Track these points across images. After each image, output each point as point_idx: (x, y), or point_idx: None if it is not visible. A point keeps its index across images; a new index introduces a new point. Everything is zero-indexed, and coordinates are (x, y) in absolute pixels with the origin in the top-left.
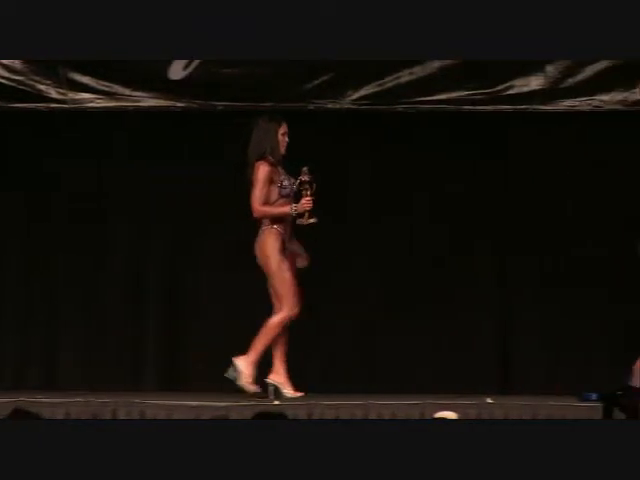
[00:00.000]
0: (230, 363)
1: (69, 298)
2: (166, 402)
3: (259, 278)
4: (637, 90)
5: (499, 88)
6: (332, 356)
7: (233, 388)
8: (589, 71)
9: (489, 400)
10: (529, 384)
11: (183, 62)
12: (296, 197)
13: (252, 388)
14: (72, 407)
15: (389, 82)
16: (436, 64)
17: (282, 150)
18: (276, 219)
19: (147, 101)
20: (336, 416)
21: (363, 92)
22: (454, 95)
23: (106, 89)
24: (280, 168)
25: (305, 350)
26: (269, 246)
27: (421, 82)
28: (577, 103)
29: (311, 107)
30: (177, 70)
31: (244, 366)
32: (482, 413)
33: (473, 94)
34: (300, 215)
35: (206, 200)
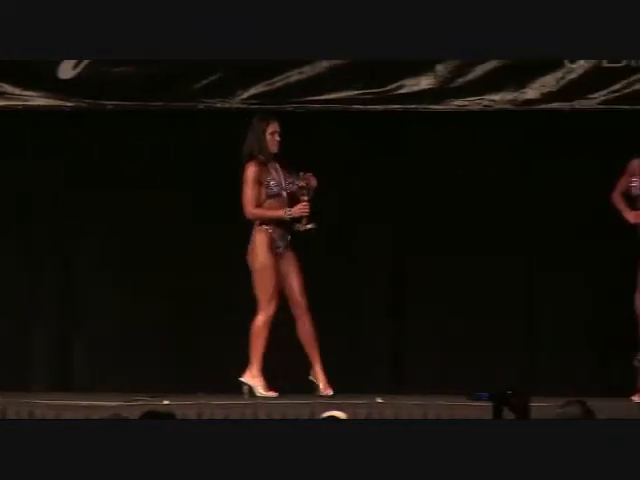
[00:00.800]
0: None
1: None
2: (55, 402)
3: (138, 277)
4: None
5: (389, 88)
6: (221, 355)
7: (126, 388)
8: (479, 71)
9: (379, 400)
10: (419, 384)
11: (73, 61)
12: (292, 199)
13: (271, 394)
14: None
15: (278, 82)
16: (325, 64)
17: (272, 149)
18: (267, 220)
19: (37, 100)
20: (226, 416)
21: (253, 91)
22: (344, 95)
23: None
24: (273, 167)
25: (196, 349)
26: (258, 245)
27: (311, 82)
28: (467, 103)
29: (201, 106)
30: (67, 69)
31: (251, 379)
32: (372, 413)
33: (363, 93)
34: (297, 220)
35: (92, 200)
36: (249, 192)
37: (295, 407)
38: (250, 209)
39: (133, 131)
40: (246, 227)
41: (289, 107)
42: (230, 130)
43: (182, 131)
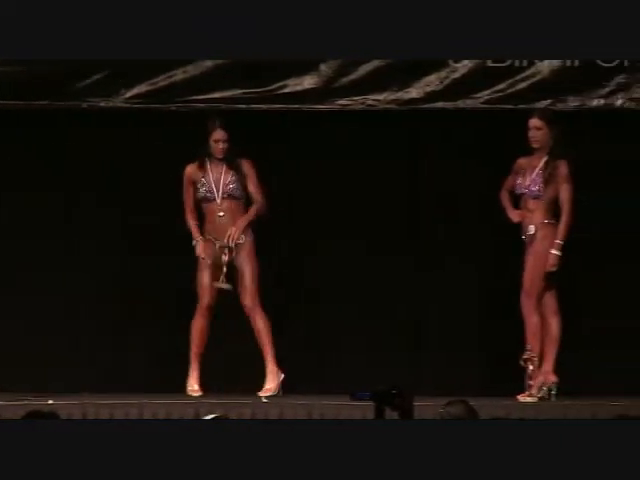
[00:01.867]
0: None
1: None
2: None
3: (15, 276)
4: None
5: (273, 87)
6: (106, 355)
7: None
8: (362, 70)
9: (264, 400)
10: (305, 383)
11: None
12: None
13: (193, 392)
14: None
15: (162, 81)
16: (209, 63)
17: (215, 153)
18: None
19: None
20: (111, 415)
21: (136, 91)
22: (228, 94)
23: None
24: (215, 170)
25: (82, 348)
26: None
27: (194, 81)
28: (351, 102)
29: (84, 106)
30: None
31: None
32: (257, 413)
33: (247, 93)
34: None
35: None
36: (183, 194)
37: (180, 406)
38: (185, 213)
39: (16, 130)
40: (128, 227)
41: (173, 106)
42: (114, 129)
43: (65, 130)
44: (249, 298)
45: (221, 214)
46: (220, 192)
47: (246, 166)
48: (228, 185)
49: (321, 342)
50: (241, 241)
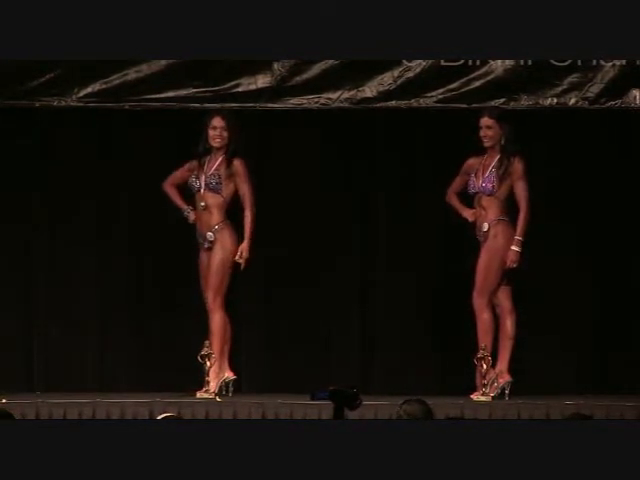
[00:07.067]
0: None
1: None
2: None
3: None
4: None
5: (226, 86)
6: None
7: None
8: (316, 69)
9: (218, 399)
10: (257, 383)
11: None
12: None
13: None
14: None
15: (115, 80)
16: (162, 63)
17: (211, 142)
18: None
19: None
20: (64, 415)
21: (89, 90)
22: (181, 93)
23: None
24: (207, 162)
25: (30, 348)
26: None
27: (147, 80)
28: (305, 101)
29: (37, 105)
30: None
31: None
32: (211, 412)
33: (200, 92)
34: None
35: None
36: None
37: (133, 406)
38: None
39: None
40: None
41: (126, 105)
42: (68, 128)
43: (19, 130)
44: (210, 292)
45: (202, 204)
46: (203, 184)
47: (236, 164)
48: (210, 177)
49: (272, 342)
50: (211, 239)
